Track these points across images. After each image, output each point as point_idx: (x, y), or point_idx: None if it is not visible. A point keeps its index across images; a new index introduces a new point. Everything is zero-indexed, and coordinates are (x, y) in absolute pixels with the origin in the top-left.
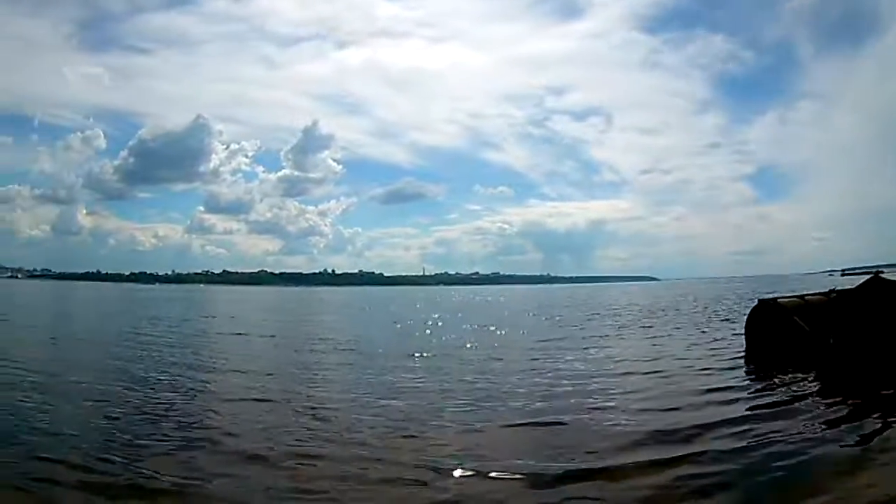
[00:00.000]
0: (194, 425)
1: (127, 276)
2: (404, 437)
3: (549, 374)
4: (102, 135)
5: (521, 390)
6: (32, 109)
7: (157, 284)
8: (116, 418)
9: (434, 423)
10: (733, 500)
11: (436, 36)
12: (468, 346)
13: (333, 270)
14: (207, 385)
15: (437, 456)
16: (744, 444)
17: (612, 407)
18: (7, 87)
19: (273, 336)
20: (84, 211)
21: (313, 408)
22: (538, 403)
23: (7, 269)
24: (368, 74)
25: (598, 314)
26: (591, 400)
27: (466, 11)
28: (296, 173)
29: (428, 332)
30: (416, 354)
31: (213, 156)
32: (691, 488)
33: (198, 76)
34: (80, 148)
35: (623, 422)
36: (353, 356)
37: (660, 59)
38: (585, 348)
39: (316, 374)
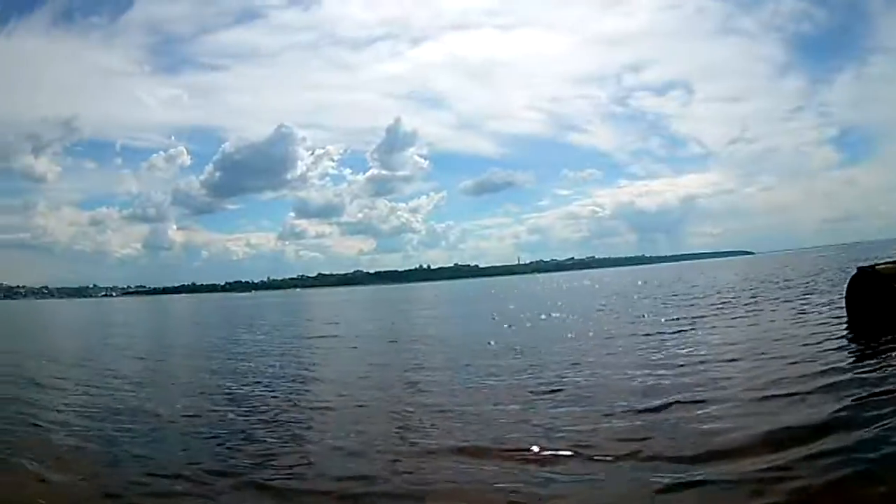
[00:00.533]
0: (291, 440)
1: (222, 286)
2: (504, 447)
3: (652, 364)
4: (186, 152)
5: (624, 384)
6: (113, 135)
7: (253, 292)
8: (208, 435)
9: (536, 421)
10: (869, 497)
11: (506, 24)
12: (570, 335)
13: (429, 266)
14: (306, 394)
15: (538, 466)
16: (870, 435)
17: (722, 399)
18: (86, 115)
19: (370, 336)
20: (174, 226)
21: (417, 416)
22: (644, 399)
23: (102, 288)
24: (444, 68)
25: (696, 294)
26: (699, 392)
27: None
28: (383, 172)
29: (528, 324)
30: (516, 348)
31: (299, 162)
32: (819, 486)
33: (276, 87)
34: (164, 167)
35: (737, 414)
36: (456, 353)
37: (735, 25)
38: (688, 330)
39: (418, 377)
